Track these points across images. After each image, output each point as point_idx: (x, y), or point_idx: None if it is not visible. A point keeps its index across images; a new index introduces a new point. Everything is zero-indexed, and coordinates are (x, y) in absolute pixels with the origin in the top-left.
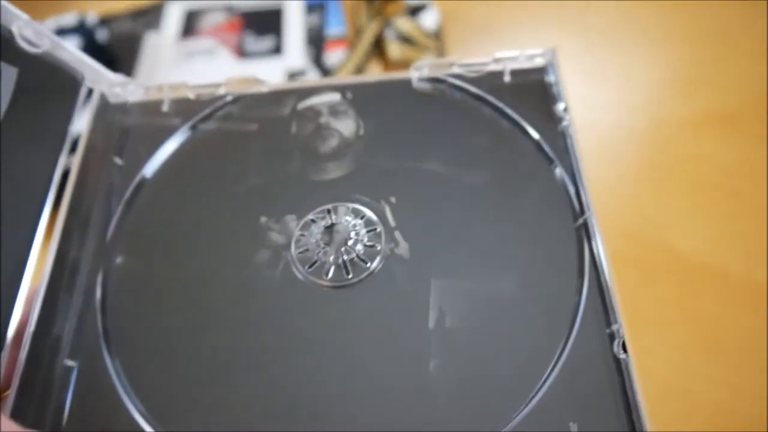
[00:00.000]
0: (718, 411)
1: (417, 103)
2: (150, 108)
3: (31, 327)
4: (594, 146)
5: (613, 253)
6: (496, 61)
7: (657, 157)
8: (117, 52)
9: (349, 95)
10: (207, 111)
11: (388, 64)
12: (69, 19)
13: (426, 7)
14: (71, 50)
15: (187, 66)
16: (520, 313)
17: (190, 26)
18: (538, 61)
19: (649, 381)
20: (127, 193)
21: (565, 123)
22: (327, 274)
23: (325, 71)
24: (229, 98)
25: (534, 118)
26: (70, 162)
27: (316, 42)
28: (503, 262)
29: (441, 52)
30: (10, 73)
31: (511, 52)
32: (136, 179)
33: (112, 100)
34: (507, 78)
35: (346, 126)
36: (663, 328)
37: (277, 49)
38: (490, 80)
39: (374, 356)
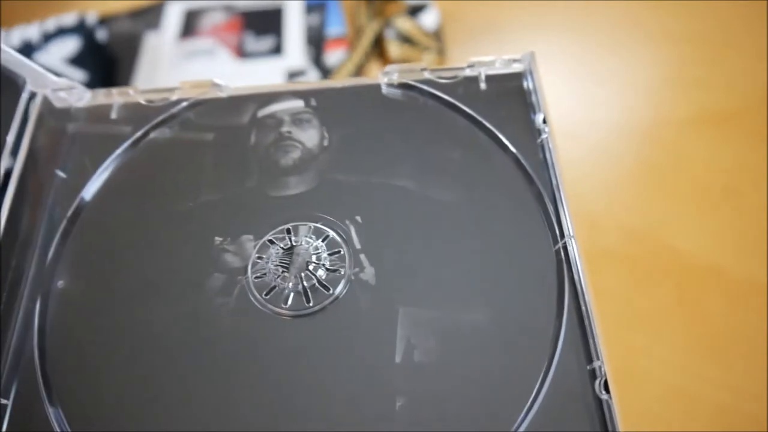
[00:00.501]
0: (719, 411)
1: (386, 112)
2: (98, 114)
3: None
4: (594, 146)
5: (613, 253)
6: (471, 66)
7: (657, 157)
8: (117, 52)
9: (313, 102)
10: (159, 118)
11: (388, 64)
12: (69, 19)
13: (426, 7)
14: (10, 52)
15: (187, 66)
16: (493, 348)
17: (189, 26)
18: (516, 67)
19: (649, 381)
20: (70, 210)
21: (544, 136)
22: (286, 301)
23: (325, 71)
24: (183, 104)
25: (511, 129)
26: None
27: (316, 42)
28: (476, 289)
29: (441, 52)
30: None
31: (486, 57)
32: (80, 195)
33: (57, 104)
34: (482, 85)
35: (310, 137)
36: (663, 328)
37: (277, 49)
38: (465, 87)
39: (335, 392)
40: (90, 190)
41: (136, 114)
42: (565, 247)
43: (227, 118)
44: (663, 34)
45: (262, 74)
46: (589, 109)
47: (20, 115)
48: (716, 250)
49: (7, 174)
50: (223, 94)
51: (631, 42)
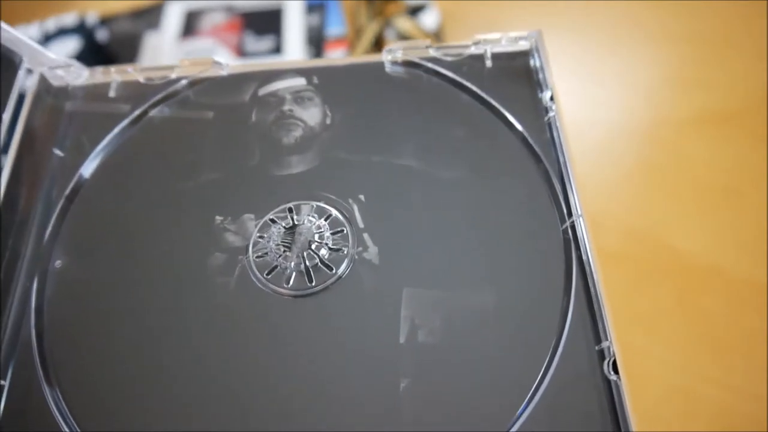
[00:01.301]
0: (719, 411)
1: (390, 90)
2: (96, 92)
3: None
4: (594, 146)
5: (613, 252)
6: (476, 44)
7: (657, 157)
8: (117, 52)
9: (315, 80)
10: (158, 96)
11: None
12: (69, 19)
13: (426, 7)
14: (9, 30)
15: None
16: (499, 328)
17: (190, 26)
18: (522, 45)
19: (649, 381)
20: (68, 189)
21: (551, 114)
22: (288, 281)
23: None
24: (183, 82)
25: (518, 107)
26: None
27: (316, 42)
28: (482, 270)
29: None
30: None
31: (492, 35)
32: (78, 173)
33: (54, 83)
34: (488, 63)
35: (312, 115)
36: (663, 328)
37: (277, 49)
38: (470, 65)
39: (338, 373)
40: (88, 169)
41: (135, 92)
42: (573, 227)
43: (228, 96)
44: (663, 34)
45: None
46: (589, 109)
47: (17, 92)
48: (716, 250)
49: (5, 152)
50: (223, 72)
51: (631, 42)
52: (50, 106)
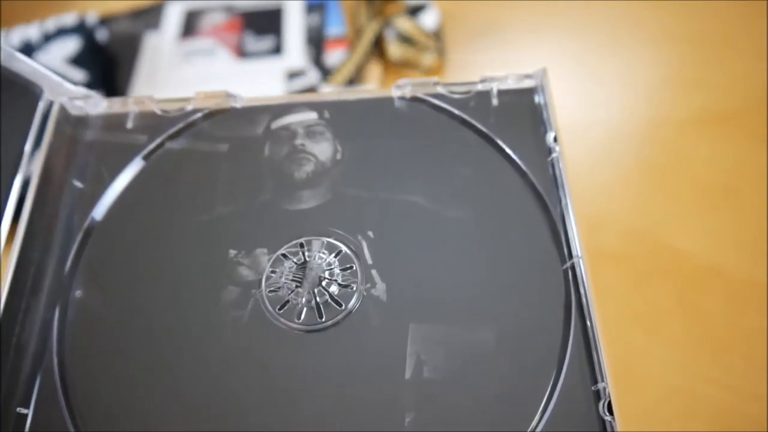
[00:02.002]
0: (718, 411)
1: (399, 125)
2: (113, 122)
3: None
4: (594, 146)
5: (613, 252)
6: (483, 81)
7: (657, 157)
8: (117, 52)
9: (326, 114)
10: (174, 129)
11: (388, 64)
12: (69, 19)
13: (426, 7)
14: (28, 62)
15: (187, 66)
16: (500, 366)
17: (190, 26)
18: (528, 83)
19: (649, 381)
20: (86, 221)
21: (554, 155)
22: (299, 316)
23: (325, 71)
24: (198, 115)
25: (522, 147)
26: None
27: (316, 42)
28: (485, 307)
29: (441, 52)
30: None
31: (499, 73)
32: (96, 206)
33: (74, 112)
34: (494, 101)
35: (323, 149)
36: (663, 328)
37: (277, 49)
38: (477, 102)
39: (345, 407)
40: (106, 201)
41: (152, 123)
42: (573, 267)
43: (241, 129)
44: (663, 34)
45: (262, 74)
46: (589, 109)
47: (38, 123)
48: (716, 250)
49: (26, 183)
50: (237, 105)
51: (631, 42)
52: (69, 135)
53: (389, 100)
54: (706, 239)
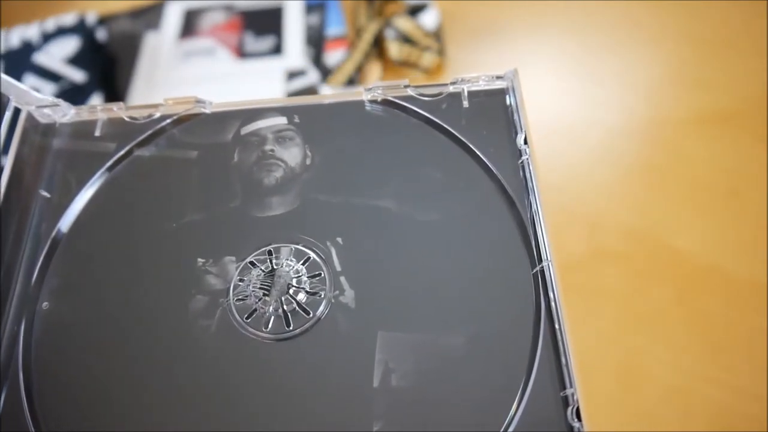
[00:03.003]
0: (718, 411)
1: (369, 129)
2: (82, 130)
3: None
4: (594, 146)
5: (613, 253)
6: (454, 83)
7: (657, 157)
8: (117, 51)
9: (296, 119)
10: (143, 136)
11: (388, 64)
12: (69, 18)
13: (426, 6)
14: None
15: (187, 66)
16: (468, 372)
17: (189, 26)
18: (499, 84)
19: (649, 381)
20: (54, 230)
21: (525, 157)
22: (267, 325)
23: (325, 71)
24: (167, 121)
25: (493, 150)
26: None
27: (316, 42)
28: (454, 313)
29: (441, 52)
30: None
31: (470, 75)
32: (63, 216)
33: (42, 120)
34: (465, 103)
35: (292, 155)
36: (663, 328)
37: (277, 49)
38: (448, 104)
39: (314, 416)
40: (73, 211)
41: (120, 131)
42: (542, 271)
43: (211, 135)
44: (663, 34)
45: (261, 74)
46: (589, 109)
47: (5, 132)
48: (716, 250)
49: None
50: (206, 111)
51: (631, 42)
52: (38, 144)
53: (360, 104)
54: (706, 239)
